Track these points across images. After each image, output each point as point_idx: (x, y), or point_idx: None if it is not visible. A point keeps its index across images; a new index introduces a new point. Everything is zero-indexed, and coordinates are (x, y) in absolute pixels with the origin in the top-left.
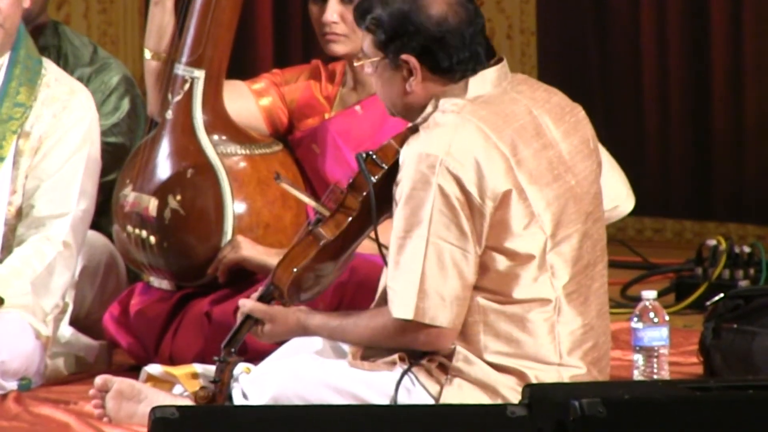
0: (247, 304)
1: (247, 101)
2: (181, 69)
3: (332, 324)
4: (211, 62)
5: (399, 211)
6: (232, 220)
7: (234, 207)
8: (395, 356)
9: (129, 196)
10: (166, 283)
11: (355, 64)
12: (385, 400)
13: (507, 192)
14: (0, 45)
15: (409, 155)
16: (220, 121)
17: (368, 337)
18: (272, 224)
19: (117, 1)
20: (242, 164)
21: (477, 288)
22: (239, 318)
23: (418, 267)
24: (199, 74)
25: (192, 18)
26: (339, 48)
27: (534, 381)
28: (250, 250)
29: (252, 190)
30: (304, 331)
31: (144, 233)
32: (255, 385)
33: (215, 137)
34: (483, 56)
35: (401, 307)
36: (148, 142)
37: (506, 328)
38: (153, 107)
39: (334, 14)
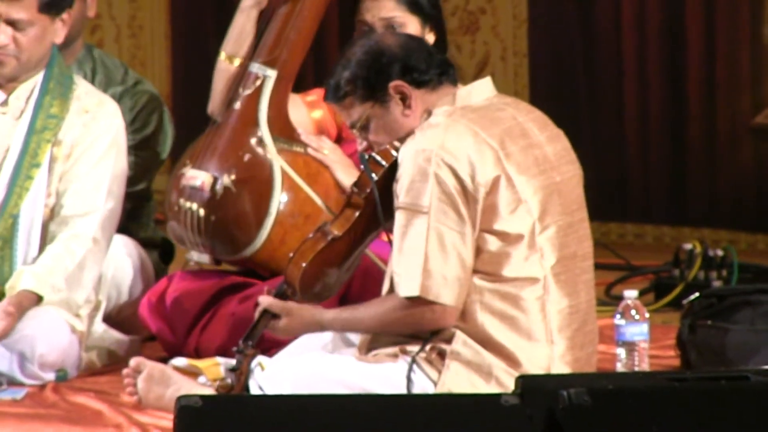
0: (266, 299)
1: (300, 112)
2: (255, 67)
3: (344, 316)
4: (284, 65)
5: (401, 203)
6: (277, 204)
7: (281, 195)
8: (396, 349)
9: (187, 172)
10: (206, 257)
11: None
12: (390, 390)
13: (496, 178)
14: (12, 73)
15: (406, 153)
16: (281, 120)
17: (379, 321)
18: (312, 216)
19: (145, 27)
20: (295, 158)
21: (473, 270)
22: (257, 313)
23: (421, 250)
24: (272, 73)
25: (275, 22)
26: None
27: (526, 363)
28: (341, 165)
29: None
30: (319, 325)
31: (194, 206)
32: (271, 381)
33: (275, 133)
34: (448, 60)
35: (408, 286)
36: (213, 129)
37: (501, 306)
38: (216, 106)
39: None
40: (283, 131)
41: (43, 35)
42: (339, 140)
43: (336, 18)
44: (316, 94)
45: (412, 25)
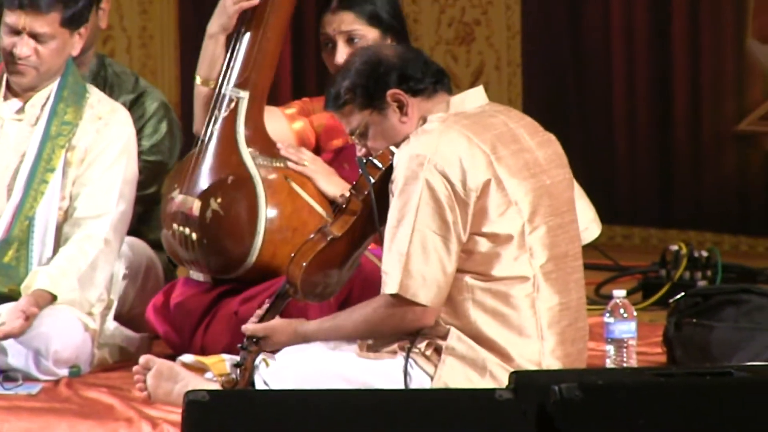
0: (248, 327)
1: (281, 124)
2: (228, 90)
3: (326, 325)
4: (255, 85)
5: (393, 205)
6: (265, 222)
7: (267, 212)
8: (395, 345)
9: (176, 198)
10: (203, 276)
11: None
12: (389, 385)
13: (487, 182)
14: (30, 83)
15: (401, 157)
16: (260, 137)
17: (362, 324)
18: (299, 228)
19: (155, 38)
20: (276, 175)
21: (464, 270)
22: (245, 341)
23: (404, 250)
24: (244, 95)
25: (241, 47)
26: None
27: (518, 358)
28: (322, 174)
29: (284, 198)
30: (302, 338)
31: (187, 230)
32: (275, 377)
33: (254, 150)
34: (443, 70)
35: (389, 284)
36: (196, 153)
37: (492, 304)
38: (199, 126)
39: (344, 56)
40: (263, 148)
41: (63, 48)
42: (317, 150)
43: None
44: (295, 106)
45: (372, 38)
